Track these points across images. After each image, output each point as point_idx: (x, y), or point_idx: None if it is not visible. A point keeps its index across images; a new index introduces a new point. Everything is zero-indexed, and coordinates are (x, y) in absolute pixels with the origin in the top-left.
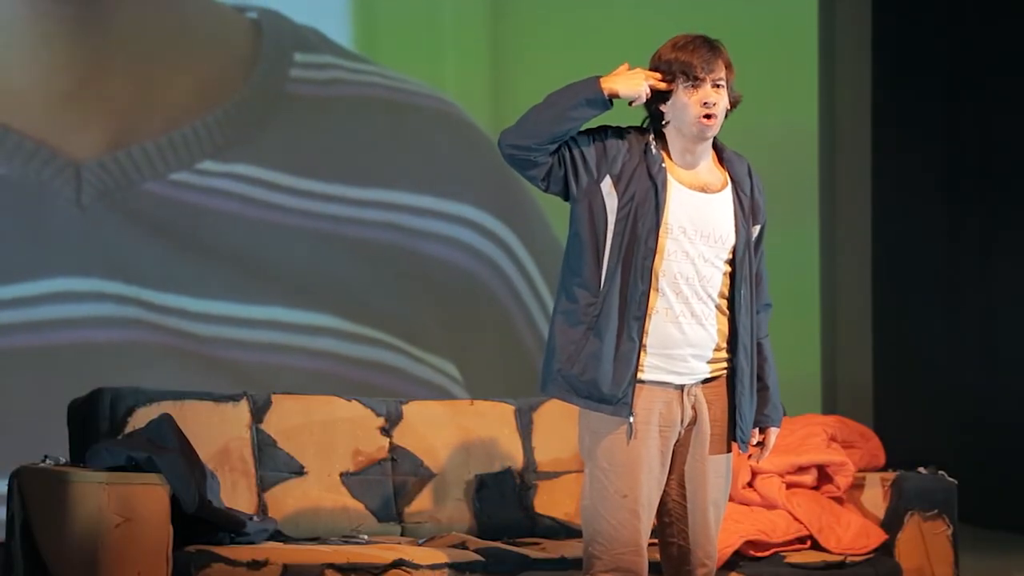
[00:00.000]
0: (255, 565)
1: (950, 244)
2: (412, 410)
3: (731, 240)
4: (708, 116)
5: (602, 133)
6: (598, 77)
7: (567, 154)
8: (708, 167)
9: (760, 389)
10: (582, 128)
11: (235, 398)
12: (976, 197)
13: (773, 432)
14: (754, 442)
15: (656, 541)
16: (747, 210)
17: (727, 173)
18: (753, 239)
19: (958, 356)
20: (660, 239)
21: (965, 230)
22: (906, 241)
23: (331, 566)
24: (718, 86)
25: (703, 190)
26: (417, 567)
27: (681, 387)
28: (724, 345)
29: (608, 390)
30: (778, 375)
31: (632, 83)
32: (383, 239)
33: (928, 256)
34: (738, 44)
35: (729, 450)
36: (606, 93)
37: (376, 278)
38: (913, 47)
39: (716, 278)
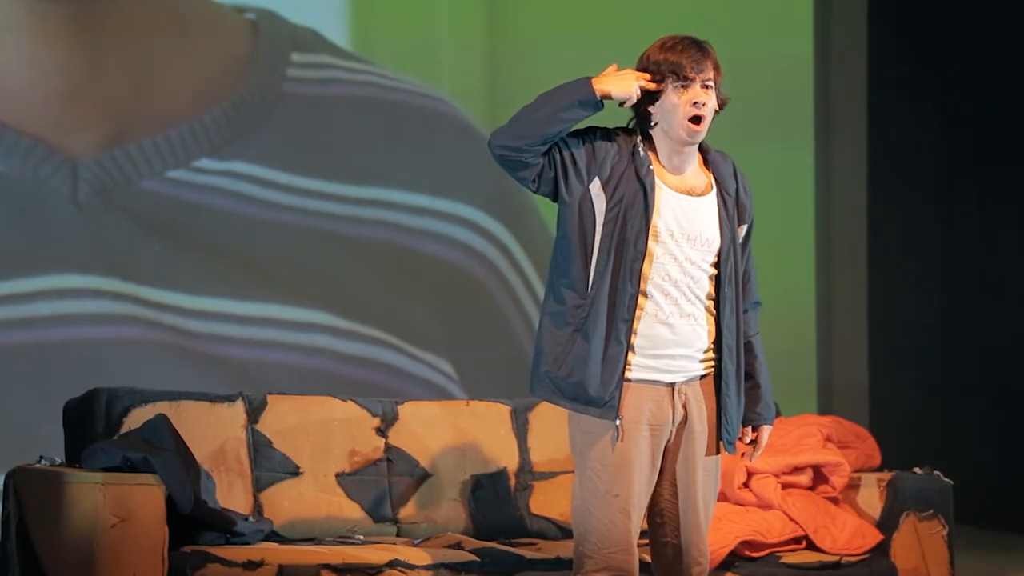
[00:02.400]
0: (251, 566)
1: (945, 242)
2: (408, 410)
3: (717, 243)
4: (696, 120)
5: (591, 135)
6: (589, 78)
7: (557, 156)
8: (694, 170)
9: (751, 387)
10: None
11: (231, 399)
12: (970, 186)
13: (766, 430)
14: (747, 440)
15: (645, 542)
16: (732, 212)
17: (712, 175)
18: (739, 240)
19: (953, 356)
20: (648, 242)
21: (959, 229)
22: (901, 240)
23: (327, 566)
24: (707, 87)
25: (689, 193)
26: (413, 567)
27: (671, 385)
28: (711, 345)
29: (595, 393)
30: (774, 375)
31: (624, 84)
32: (379, 237)
33: (923, 255)
34: None
35: (718, 451)
36: (598, 94)
37: (372, 276)
38: None
39: (703, 280)
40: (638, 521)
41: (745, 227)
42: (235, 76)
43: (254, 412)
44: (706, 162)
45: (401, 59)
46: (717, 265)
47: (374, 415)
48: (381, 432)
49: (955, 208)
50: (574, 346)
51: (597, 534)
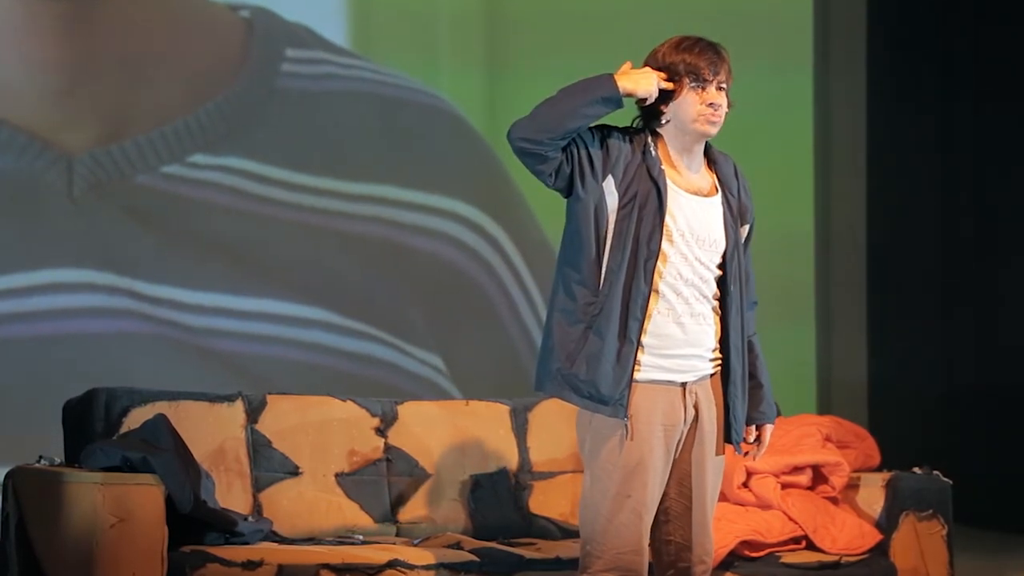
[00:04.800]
0: (250, 565)
1: (945, 243)
2: (407, 410)
3: (722, 245)
4: (711, 121)
5: (607, 133)
6: (612, 75)
7: (575, 153)
8: (700, 171)
9: (754, 387)
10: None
11: (230, 398)
12: (972, 193)
13: (768, 429)
14: (751, 439)
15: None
16: (735, 212)
17: (715, 175)
18: (741, 240)
19: (953, 356)
20: (661, 242)
21: (960, 227)
22: (901, 238)
23: (326, 566)
24: (721, 88)
25: (697, 194)
26: (412, 567)
27: (683, 385)
28: (718, 345)
29: (606, 391)
30: (774, 375)
31: (647, 82)
32: (373, 233)
33: (923, 254)
34: None
35: (723, 451)
36: (621, 92)
37: (365, 271)
38: None
39: (711, 280)
40: (649, 522)
41: (747, 227)
42: (229, 72)
43: (253, 412)
44: (708, 163)
45: (399, 58)
46: (722, 266)
47: (373, 415)
48: (380, 432)
49: (955, 212)
50: (586, 343)
51: (607, 534)
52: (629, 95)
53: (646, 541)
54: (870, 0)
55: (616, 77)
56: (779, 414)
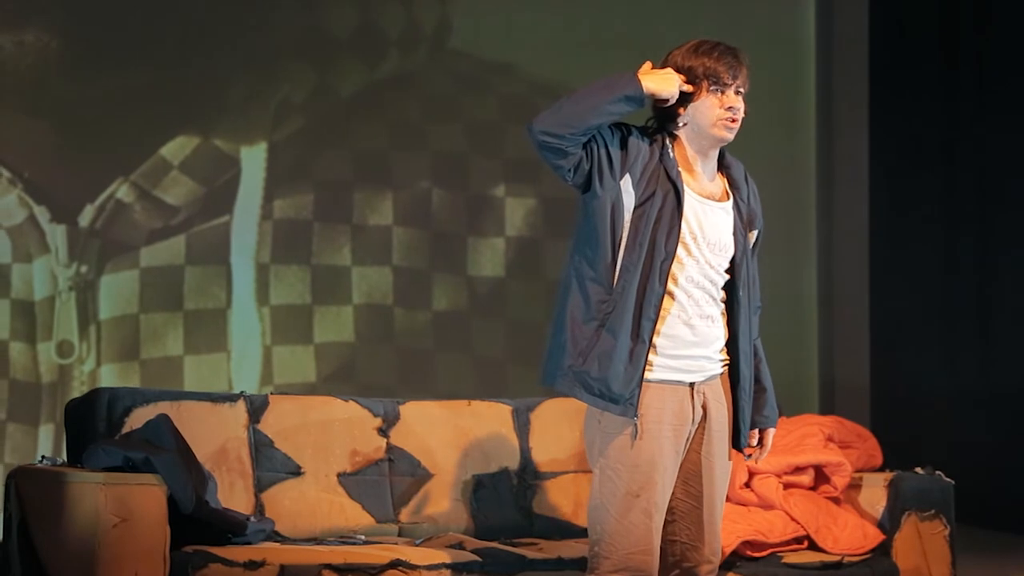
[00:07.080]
0: (252, 565)
1: (946, 243)
2: (409, 410)
3: (731, 250)
4: (731, 119)
5: (626, 131)
6: (635, 73)
7: (595, 150)
8: (712, 175)
9: (757, 391)
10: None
11: (232, 398)
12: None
13: (771, 433)
14: (753, 442)
15: None
16: (745, 218)
17: (725, 180)
18: (750, 246)
19: (955, 356)
20: (676, 244)
21: (962, 227)
22: (904, 238)
23: (328, 566)
24: (739, 93)
25: (710, 198)
26: (414, 567)
27: (691, 384)
28: (725, 347)
29: (618, 390)
30: (776, 374)
31: (669, 84)
32: None
33: (925, 255)
34: None
35: (730, 454)
36: (645, 92)
37: None
38: None
39: (720, 283)
40: (660, 521)
41: (755, 233)
42: None
43: (255, 412)
44: (720, 165)
45: None
46: (731, 271)
47: (375, 415)
48: (382, 432)
49: (957, 219)
50: (599, 341)
51: (617, 534)
52: (651, 95)
53: (657, 541)
54: None
55: (640, 76)
56: (781, 414)
